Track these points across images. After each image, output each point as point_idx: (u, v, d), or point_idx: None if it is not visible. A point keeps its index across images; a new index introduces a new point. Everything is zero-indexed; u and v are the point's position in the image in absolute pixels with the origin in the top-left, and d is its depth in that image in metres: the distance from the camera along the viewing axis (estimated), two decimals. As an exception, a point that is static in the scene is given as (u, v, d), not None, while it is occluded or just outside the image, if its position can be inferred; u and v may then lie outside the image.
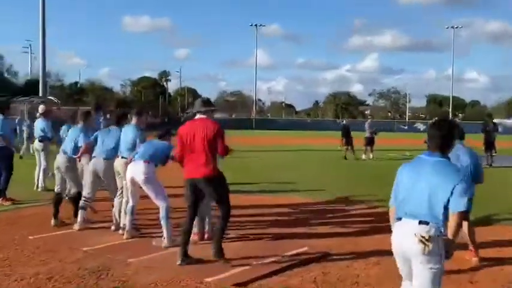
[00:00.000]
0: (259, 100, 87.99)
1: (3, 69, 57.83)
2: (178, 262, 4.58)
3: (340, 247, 5.37)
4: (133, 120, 6.05)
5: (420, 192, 2.84)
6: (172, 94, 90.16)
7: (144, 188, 5.37)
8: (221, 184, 4.69)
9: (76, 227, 5.97)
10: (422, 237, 2.73)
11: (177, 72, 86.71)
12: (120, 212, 5.83)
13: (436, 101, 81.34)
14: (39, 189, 8.98)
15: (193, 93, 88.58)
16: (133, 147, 5.69)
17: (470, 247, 4.94)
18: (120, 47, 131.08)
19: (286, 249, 5.18)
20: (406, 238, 2.81)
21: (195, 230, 5.25)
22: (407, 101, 79.71)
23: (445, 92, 71.11)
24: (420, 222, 2.78)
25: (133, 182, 5.39)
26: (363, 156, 17.03)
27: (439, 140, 2.93)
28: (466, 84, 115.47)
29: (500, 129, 24.60)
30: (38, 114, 9.87)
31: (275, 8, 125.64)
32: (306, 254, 5.08)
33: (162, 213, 5.27)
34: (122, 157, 5.75)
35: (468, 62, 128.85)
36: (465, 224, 4.50)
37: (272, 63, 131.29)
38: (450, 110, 62.97)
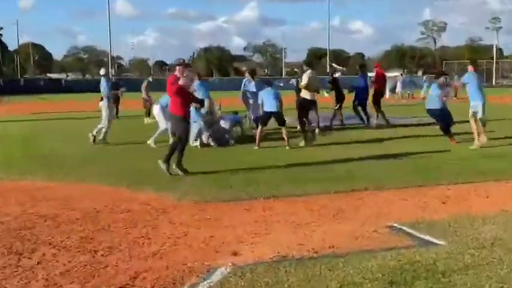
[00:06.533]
0: (119, 58, 77.35)
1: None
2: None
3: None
4: None
5: None
6: (11, 51, 68.87)
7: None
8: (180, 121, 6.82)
9: None
10: None
11: (14, 24, 65.96)
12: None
13: (316, 55, 66.37)
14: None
15: (41, 50, 75.85)
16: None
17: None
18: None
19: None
20: None
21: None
22: (284, 56, 71.76)
23: (331, 45, 58.57)
24: None
25: None
26: None
27: None
28: (351, 36, 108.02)
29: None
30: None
31: None
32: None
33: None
34: None
35: (353, 11, 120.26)
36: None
37: (139, 13, 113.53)
38: (328, 63, 55.99)
